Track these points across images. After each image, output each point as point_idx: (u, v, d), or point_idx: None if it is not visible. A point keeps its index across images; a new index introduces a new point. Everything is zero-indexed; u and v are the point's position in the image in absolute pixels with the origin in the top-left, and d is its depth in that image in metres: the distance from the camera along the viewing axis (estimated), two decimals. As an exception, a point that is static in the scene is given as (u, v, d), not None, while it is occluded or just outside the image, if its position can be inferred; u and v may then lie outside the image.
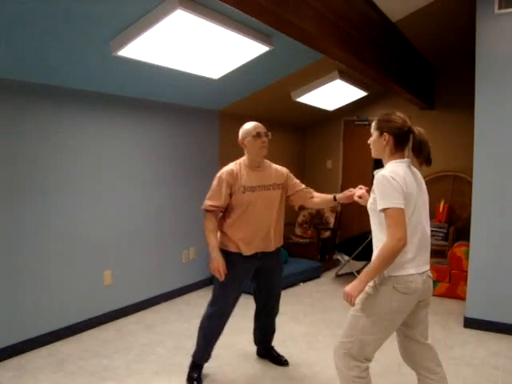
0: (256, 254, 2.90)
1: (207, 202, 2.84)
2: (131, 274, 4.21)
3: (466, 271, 4.16)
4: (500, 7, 3.75)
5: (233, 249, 2.87)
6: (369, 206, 2.14)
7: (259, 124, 2.88)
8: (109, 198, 3.96)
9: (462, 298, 4.43)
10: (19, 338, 3.29)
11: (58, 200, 3.52)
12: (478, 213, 3.96)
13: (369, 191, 2.26)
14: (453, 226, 5.76)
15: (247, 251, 2.86)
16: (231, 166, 2.91)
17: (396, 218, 1.94)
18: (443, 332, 3.91)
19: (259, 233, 2.87)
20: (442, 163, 6.21)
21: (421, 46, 5.13)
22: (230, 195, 2.83)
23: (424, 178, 6.65)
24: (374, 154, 2.23)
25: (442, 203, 5.98)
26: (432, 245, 6.50)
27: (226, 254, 2.87)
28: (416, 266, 2.05)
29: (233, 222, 2.85)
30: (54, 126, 3.46)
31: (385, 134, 2.12)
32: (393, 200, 1.96)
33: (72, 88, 3.52)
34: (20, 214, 3.27)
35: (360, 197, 2.49)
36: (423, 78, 5.76)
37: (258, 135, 2.82)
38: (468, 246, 4.20)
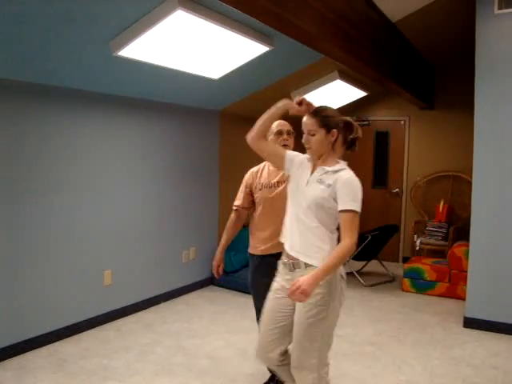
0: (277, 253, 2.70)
1: (234, 202, 2.91)
2: (131, 273, 4.21)
3: (466, 271, 4.16)
4: (500, 7, 3.76)
5: (254, 251, 2.83)
6: (319, 200, 2.06)
7: (283, 121, 2.82)
8: (109, 198, 3.96)
9: (462, 298, 4.43)
10: (19, 338, 3.29)
11: (58, 200, 3.53)
12: (477, 213, 3.97)
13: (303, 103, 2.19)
14: (452, 225, 5.77)
15: (267, 250, 2.73)
16: (259, 165, 2.93)
17: (356, 222, 2.00)
18: (443, 332, 3.91)
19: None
20: (441, 163, 6.22)
21: (421, 46, 5.14)
22: (252, 194, 2.86)
23: (424, 178, 6.63)
24: (317, 153, 2.15)
25: (441, 203, 5.98)
26: (432, 245, 6.50)
27: (250, 256, 2.86)
28: None
29: (257, 220, 2.83)
30: (53, 126, 3.46)
31: (333, 130, 2.10)
32: (359, 204, 2.01)
33: (72, 88, 3.52)
34: (20, 213, 3.27)
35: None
36: (423, 78, 5.76)
37: (278, 133, 2.79)
38: (468, 245, 4.20)
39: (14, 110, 3.19)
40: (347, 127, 2.16)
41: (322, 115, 2.14)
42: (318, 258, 2.04)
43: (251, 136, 2.25)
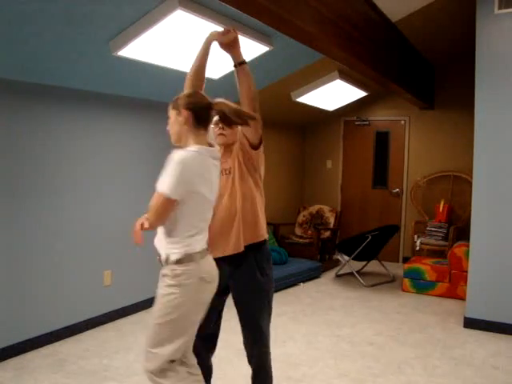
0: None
1: None
2: (131, 274, 4.20)
3: (466, 271, 4.16)
4: (500, 7, 3.76)
5: None
6: None
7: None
8: (109, 198, 3.96)
9: (462, 298, 4.43)
10: (19, 338, 3.28)
11: (58, 200, 3.52)
12: (477, 213, 3.96)
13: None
14: (453, 226, 5.76)
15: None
16: None
17: (158, 203, 1.91)
18: (443, 332, 3.91)
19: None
20: (441, 163, 6.22)
21: (421, 46, 5.13)
22: None
23: (424, 178, 6.63)
24: (172, 136, 2.13)
25: (441, 203, 5.97)
26: (432, 245, 6.51)
27: None
28: None
29: None
30: (54, 126, 3.46)
31: (183, 110, 1.97)
32: (167, 186, 1.92)
33: (72, 88, 3.52)
34: (20, 213, 3.26)
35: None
36: (423, 77, 5.76)
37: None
38: (468, 246, 4.20)
39: (14, 110, 3.18)
40: (195, 105, 2.00)
41: (175, 98, 2.05)
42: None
43: (188, 77, 2.19)
